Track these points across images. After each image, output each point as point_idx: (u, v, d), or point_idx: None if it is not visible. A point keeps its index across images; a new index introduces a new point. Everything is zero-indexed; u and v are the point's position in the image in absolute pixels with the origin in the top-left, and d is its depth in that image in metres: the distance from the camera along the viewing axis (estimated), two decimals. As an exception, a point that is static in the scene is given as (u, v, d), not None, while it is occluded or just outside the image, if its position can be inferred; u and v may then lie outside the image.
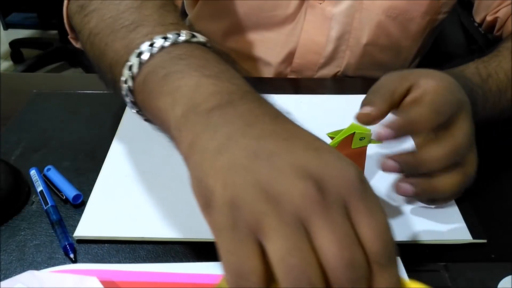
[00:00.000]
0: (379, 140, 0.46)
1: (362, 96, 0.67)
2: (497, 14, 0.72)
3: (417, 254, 0.47)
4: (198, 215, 0.50)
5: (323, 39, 0.74)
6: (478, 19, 0.76)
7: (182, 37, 0.38)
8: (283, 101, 0.57)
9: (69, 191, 0.52)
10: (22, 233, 0.49)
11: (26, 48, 2.50)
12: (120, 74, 0.40)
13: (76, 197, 0.51)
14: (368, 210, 0.29)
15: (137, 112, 0.41)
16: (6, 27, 2.69)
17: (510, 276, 0.44)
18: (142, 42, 0.38)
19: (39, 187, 0.52)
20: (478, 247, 0.48)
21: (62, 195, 0.52)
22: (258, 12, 0.74)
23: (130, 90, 0.39)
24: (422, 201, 0.50)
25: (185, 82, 0.35)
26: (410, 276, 0.44)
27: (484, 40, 0.80)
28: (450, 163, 0.46)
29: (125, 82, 0.39)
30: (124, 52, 0.40)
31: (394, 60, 0.78)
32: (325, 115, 0.63)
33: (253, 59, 0.79)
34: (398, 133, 0.45)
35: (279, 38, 0.76)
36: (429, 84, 0.47)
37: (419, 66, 0.83)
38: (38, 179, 0.53)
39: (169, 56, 0.37)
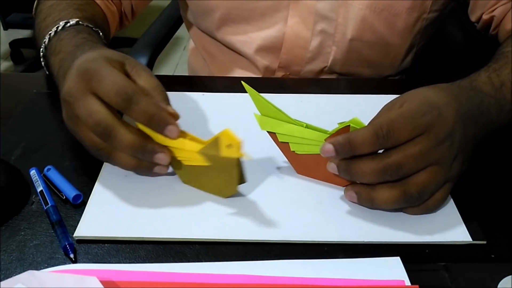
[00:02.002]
0: (323, 155, 0.48)
1: (362, 96, 0.68)
2: (494, 13, 0.72)
3: (417, 254, 0.47)
4: (198, 215, 0.50)
5: (308, 34, 0.75)
6: (473, 17, 0.76)
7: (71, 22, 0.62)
8: (283, 101, 0.57)
9: (69, 191, 0.52)
10: (22, 233, 0.49)
11: (26, 48, 2.49)
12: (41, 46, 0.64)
13: (76, 197, 0.51)
14: None
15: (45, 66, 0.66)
16: (6, 27, 2.69)
17: (510, 276, 0.44)
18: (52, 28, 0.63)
19: (39, 187, 0.52)
20: (478, 247, 0.48)
21: (62, 195, 0.52)
22: (238, 5, 0.75)
23: (44, 54, 0.65)
24: (368, 208, 0.50)
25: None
26: (410, 276, 0.44)
27: (483, 40, 0.80)
28: (378, 180, 0.47)
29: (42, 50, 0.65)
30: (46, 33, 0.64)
31: (382, 57, 0.78)
32: (325, 114, 0.63)
33: (242, 54, 0.80)
34: (339, 151, 0.47)
35: (264, 32, 0.76)
36: (401, 108, 0.49)
37: (415, 65, 0.83)
38: (38, 179, 0.53)
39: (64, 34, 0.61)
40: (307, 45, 0.76)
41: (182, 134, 0.50)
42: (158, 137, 0.49)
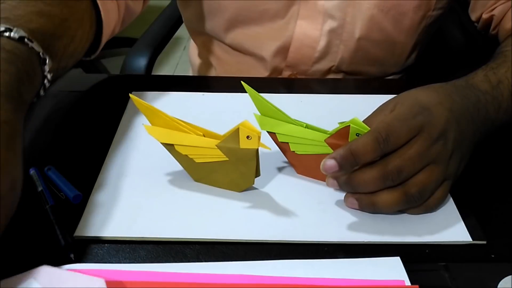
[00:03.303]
0: (326, 172, 0.48)
1: (362, 96, 0.68)
2: (493, 12, 0.72)
3: (417, 254, 0.47)
4: (198, 215, 0.50)
5: (316, 33, 0.75)
6: (473, 17, 0.76)
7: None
8: (283, 101, 0.57)
9: (69, 191, 0.52)
10: (22, 233, 0.48)
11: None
12: None
13: (76, 197, 0.51)
14: None
15: None
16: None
17: (510, 276, 0.44)
18: None
19: (39, 187, 0.52)
20: (478, 247, 0.48)
21: (62, 195, 0.52)
22: (249, 7, 0.75)
23: None
24: (369, 213, 0.50)
25: None
26: (410, 276, 0.44)
27: (483, 39, 0.80)
28: (380, 187, 0.48)
29: None
30: None
31: (388, 55, 0.79)
32: (325, 115, 0.63)
33: (250, 54, 0.80)
34: (342, 164, 0.47)
35: (273, 32, 0.76)
36: (393, 112, 0.49)
37: (417, 64, 0.83)
38: (38, 179, 0.53)
39: None
40: (315, 45, 0.76)
41: (196, 131, 0.51)
42: (176, 138, 0.50)
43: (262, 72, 0.81)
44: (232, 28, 0.78)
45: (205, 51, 0.87)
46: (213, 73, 0.88)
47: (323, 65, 0.78)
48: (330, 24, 0.74)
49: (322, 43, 0.76)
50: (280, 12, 0.75)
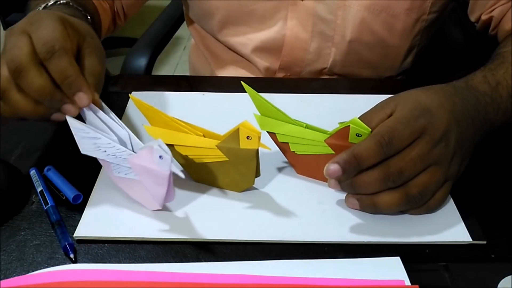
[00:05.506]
0: (330, 177, 0.48)
1: (362, 96, 0.68)
2: (492, 13, 0.72)
3: (417, 254, 0.47)
4: (198, 215, 0.50)
5: (307, 36, 0.75)
6: (473, 18, 0.76)
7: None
8: (283, 101, 0.57)
9: (69, 191, 0.52)
10: (22, 233, 0.49)
11: (26, 48, 2.49)
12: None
13: (76, 197, 0.51)
14: None
15: None
16: (6, 27, 2.69)
17: (510, 276, 0.44)
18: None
19: (39, 187, 0.52)
20: (478, 248, 0.48)
21: (62, 195, 0.52)
22: (238, 7, 0.75)
23: None
24: (371, 213, 0.50)
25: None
26: (410, 276, 0.44)
27: (483, 40, 0.80)
28: (381, 188, 0.48)
29: None
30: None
31: (382, 58, 0.78)
32: (325, 114, 0.63)
33: (242, 55, 0.80)
34: (345, 168, 0.47)
35: (262, 34, 0.77)
36: (395, 114, 0.49)
37: (416, 66, 0.83)
38: (38, 179, 0.53)
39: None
40: (307, 47, 0.76)
41: (196, 131, 0.51)
42: (176, 138, 0.50)
43: (255, 72, 0.81)
44: (224, 29, 0.79)
45: (202, 47, 0.88)
46: (207, 69, 0.88)
47: (315, 67, 0.79)
48: (320, 26, 0.74)
49: (313, 45, 0.76)
50: (267, 13, 0.75)
